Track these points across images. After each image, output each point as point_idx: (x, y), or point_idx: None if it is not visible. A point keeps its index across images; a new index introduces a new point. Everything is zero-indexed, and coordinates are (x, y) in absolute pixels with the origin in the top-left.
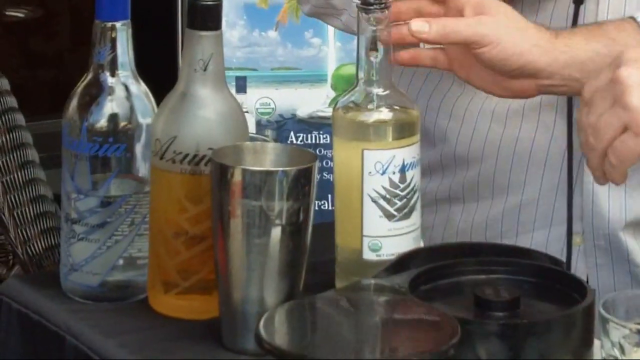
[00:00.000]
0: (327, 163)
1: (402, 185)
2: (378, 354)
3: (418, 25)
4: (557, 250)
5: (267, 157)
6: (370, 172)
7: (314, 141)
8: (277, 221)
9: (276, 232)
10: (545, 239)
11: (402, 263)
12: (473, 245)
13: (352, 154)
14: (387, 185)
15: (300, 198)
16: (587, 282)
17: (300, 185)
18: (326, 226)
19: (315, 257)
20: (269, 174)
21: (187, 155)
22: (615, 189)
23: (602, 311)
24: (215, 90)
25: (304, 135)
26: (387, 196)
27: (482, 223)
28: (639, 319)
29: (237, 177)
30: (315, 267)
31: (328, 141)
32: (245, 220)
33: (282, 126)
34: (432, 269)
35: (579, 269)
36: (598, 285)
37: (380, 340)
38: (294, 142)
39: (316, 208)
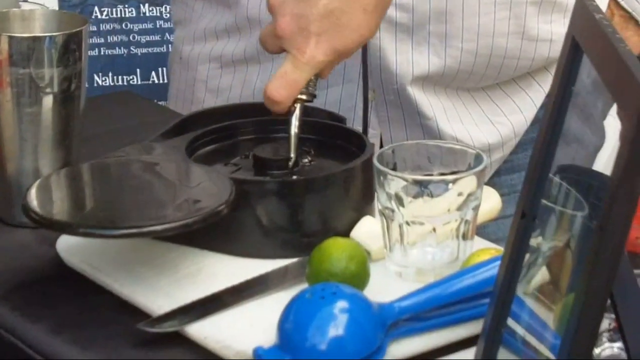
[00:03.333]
0: (133, 37)
1: None
2: (148, 219)
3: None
4: (350, 107)
5: (37, 24)
6: None
7: (119, 15)
8: (48, 89)
9: (47, 101)
10: (338, 96)
11: (180, 126)
12: (252, 105)
13: None
14: None
15: (71, 64)
16: (381, 137)
17: (71, 51)
18: (127, 95)
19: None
20: (36, 40)
21: None
22: (402, 44)
23: (377, 164)
24: None
25: (109, 10)
26: None
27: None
28: (415, 170)
29: (3, 45)
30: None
31: (134, 15)
32: (15, 89)
33: (85, 1)
34: (210, 132)
35: (373, 124)
36: (391, 139)
37: (153, 204)
38: (99, 17)
39: (125, 83)
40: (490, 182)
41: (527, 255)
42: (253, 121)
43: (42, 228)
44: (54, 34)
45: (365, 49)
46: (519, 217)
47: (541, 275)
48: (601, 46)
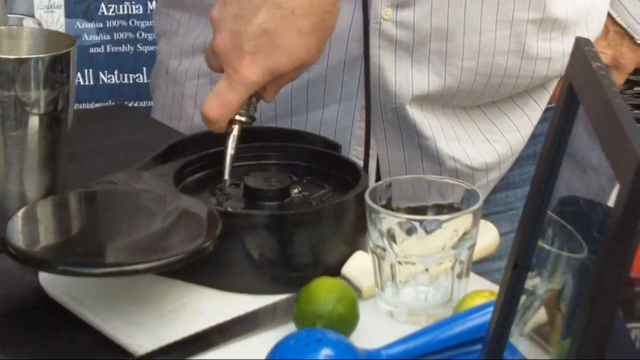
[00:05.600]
0: (140, 35)
1: None
2: (131, 256)
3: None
4: (347, 126)
5: (24, 43)
6: None
7: (126, 12)
8: (34, 112)
9: (33, 123)
10: (335, 114)
11: (169, 152)
12: (246, 129)
13: None
14: None
15: (58, 86)
16: (378, 157)
17: (58, 72)
18: (119, 108)
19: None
20: (22, 61)
21: None
22: (402, 63)
23: (369, 201)
24: None
25: (116, 7)
26: None
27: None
28: (410, 201)
29: None
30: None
31: (141, 12)
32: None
33: None
34: (200, 158)
35: (370, 143)
36: (388, 159)
37: (136, 240)
38: (105, 13)
39: (131, 81)
40: (486, 200)
41: (524, 297)
42: (245, 147)
43: (21, 264)
44: (41, 55)
45: (367, 68)
46: (511, 267)
47: (538, 316)
48: (597, 101)
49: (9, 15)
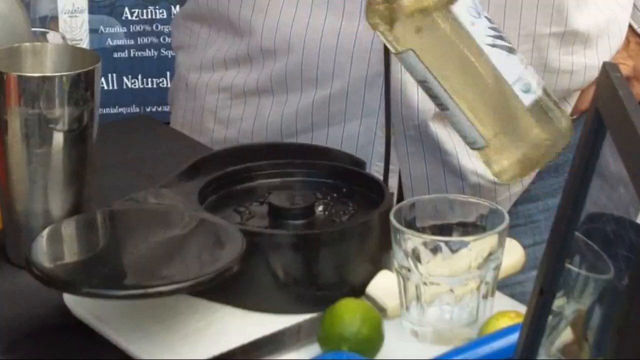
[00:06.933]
0: (164, 39)
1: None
2: (155, 278)
3: None
4: (369, 142)
5: (48, 59)
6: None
7: (150, 17)
8: (58, 129)
9: (57, 141)
10: (357, 131)
11: (192, 169)
12: (271, 146)
13: None
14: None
15: (82, 103)
16: (400, 173)
17: (82, 90)
18: (143, 121)
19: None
20: (46, 79)
21: None
22: None
23: (394, 221)
24: None
25: (140, 11)
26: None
27: (292, 115)
28: (434, 221)
29: (12, 83)
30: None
31: (165, 16)
32: (24, 129)
33: (115, 2)
34: (223, 175)
35: (392, 159)
36: (410, 175)
37: (161, 261)
38: (129, 18)
39: (154, 85)
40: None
41: (550, 318)
42: (270, 164)
43: (45, 285)
44: (65, 73)
45: (387, 84)
46: (538, 293)
47: (564, 336)
48: (624, 130)
49: (32, 29)
